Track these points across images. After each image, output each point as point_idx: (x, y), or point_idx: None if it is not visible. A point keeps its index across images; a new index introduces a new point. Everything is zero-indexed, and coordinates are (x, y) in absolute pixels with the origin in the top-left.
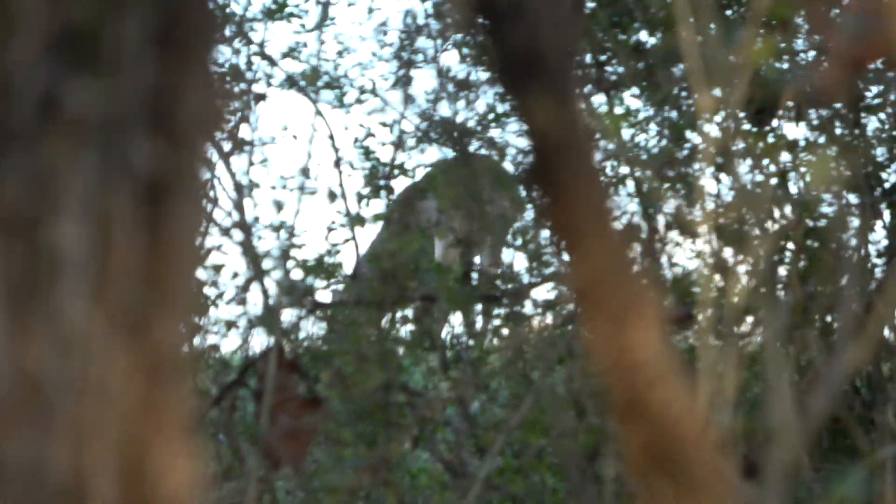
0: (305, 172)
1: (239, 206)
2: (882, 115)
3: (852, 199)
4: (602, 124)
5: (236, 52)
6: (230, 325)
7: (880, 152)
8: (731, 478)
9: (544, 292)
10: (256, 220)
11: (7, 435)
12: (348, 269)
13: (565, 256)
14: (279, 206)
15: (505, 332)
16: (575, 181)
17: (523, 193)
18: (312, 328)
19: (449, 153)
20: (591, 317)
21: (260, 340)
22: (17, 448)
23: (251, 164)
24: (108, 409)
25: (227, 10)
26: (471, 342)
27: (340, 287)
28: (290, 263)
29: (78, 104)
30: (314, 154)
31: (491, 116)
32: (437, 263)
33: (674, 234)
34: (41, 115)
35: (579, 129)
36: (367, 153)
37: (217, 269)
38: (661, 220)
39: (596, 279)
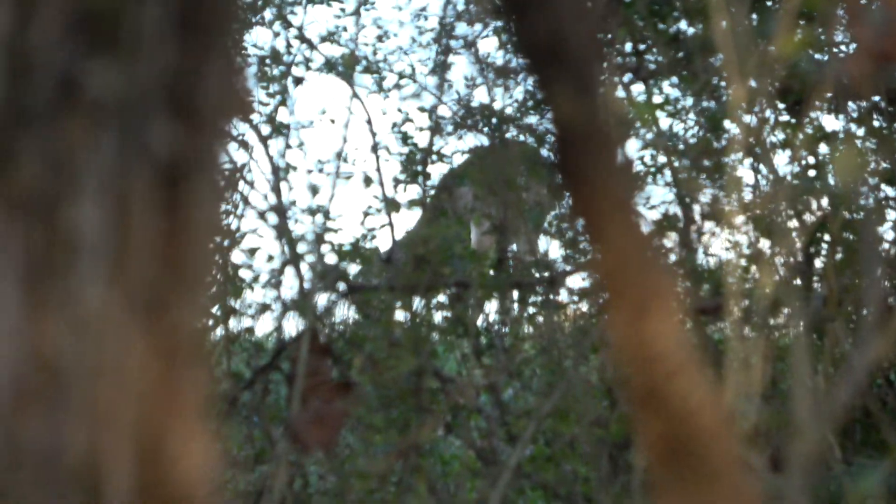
0: (342, 157)
1: (275, 190)
2: None
3: (889, 191)
4: (639, 113)
5: (276, 35)
6: (264, 308)
7: None
8: (753, 470)
9: (579, 280)
10: (292, 203)
11: (23, 417)
12: (383, 254)
13: (590, 246)
14: (315, 190)
15: (539, 319)
16: (598, 171)
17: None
18: (346, 313)
19: (485, 140)
20: (612, 307)
21: (294, 324)
22: (33, 431)
23: (288, 147)
24: (125, 391)
25: None
26: (504, 329)
27: (375, 272)
28: (324, 248)
29: (97, 86)
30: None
31: (529, 103)
32: (471, 250)
33: (709, 224)
34: (61, 96)
35: (603, 120)
36: (405, 138)
37: (252, 252)
38: (696, 210)
39: (617, 269)
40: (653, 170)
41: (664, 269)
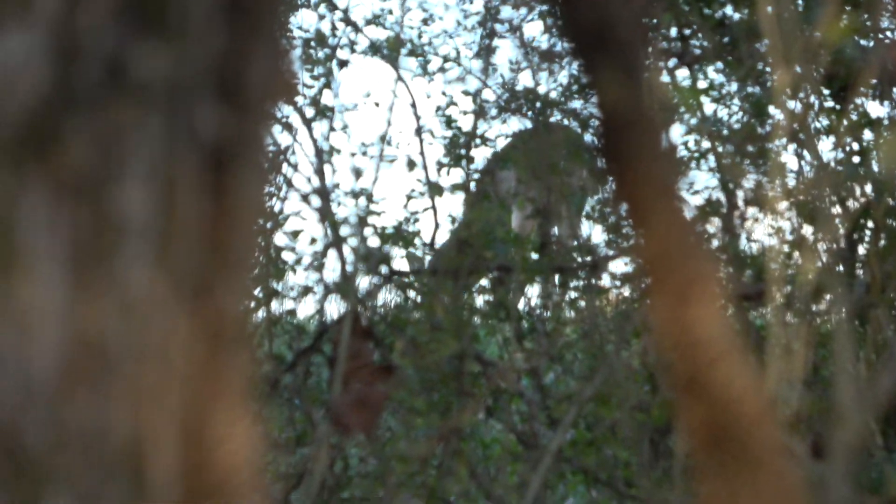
0: (385, 140)
1: (319, 172)
2: None
3: None
4: (683, 99)
5: (321, 17)
6: (307, 290)
7: None
8: (795, 456)
9: (621, 265)
10: (335, 186)
11: (69, 399)
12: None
13: (633, 231)
14: (358, 173)
15: (581, 304)
16: (642, 157)
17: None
18: (388, 296)
19: (529, 123)
20: (655, 292)
21: (336, 307)
22: (78, 412)
23: (332, 130)
24: (169, 374)
25: None
26: (546, 313)
27: (417, 256)
28: (367, 231)
29: (145, 69)
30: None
31: (573, 87)
32: (514, 234)
33: (753, 210)
34: (108, 79)
35: (648, 105)
36: (449, 122)
37: (295, 234)
38: (740, 196)
39: (660, 255)
40: (697, 155)
41: (707, 255)
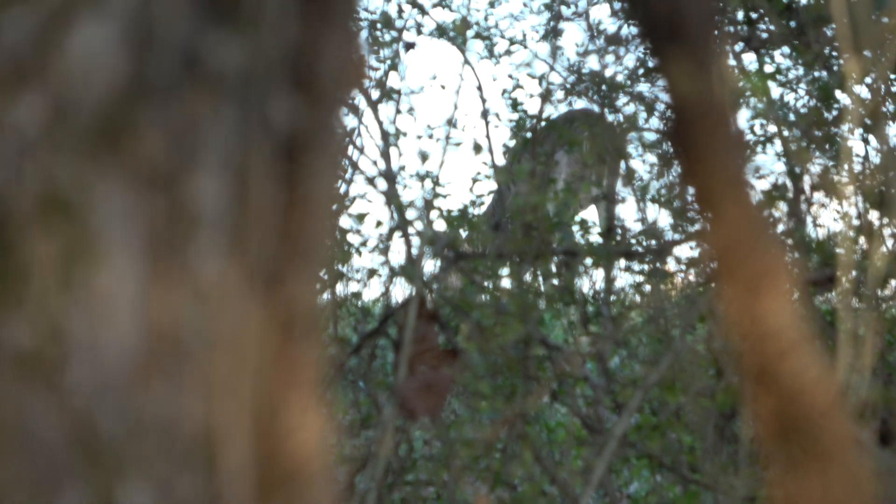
0: (452, 123)
1: (385, 155)
2: None
3: None
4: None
5: (387, 0)
6: (372, 273)
7: None
8: (864, 447)
9: (687, 250)
10: (401, 169)
11: (143, 388)
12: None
13: (702, 220)
14: (424, 156)
15: (646, 288)
16: (712, 147)
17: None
18: (454, 279)
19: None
20: (724, 283)
21: (401, 290)
22: (152, 402)
23: (398, 113)
24: (242, 363)
25: None
26: (612, 298)
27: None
28: (433, 214)
29: (219, 60)
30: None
31: (640, 71)
32: (580, 218)
33: (819, 196)
34: (183, 70)
35: (718, 95)
36: (515, 105)
37: (361, 217)
38: (807, 181)
39: (730, 246)
40: (763, 140)
41: (777, 246)
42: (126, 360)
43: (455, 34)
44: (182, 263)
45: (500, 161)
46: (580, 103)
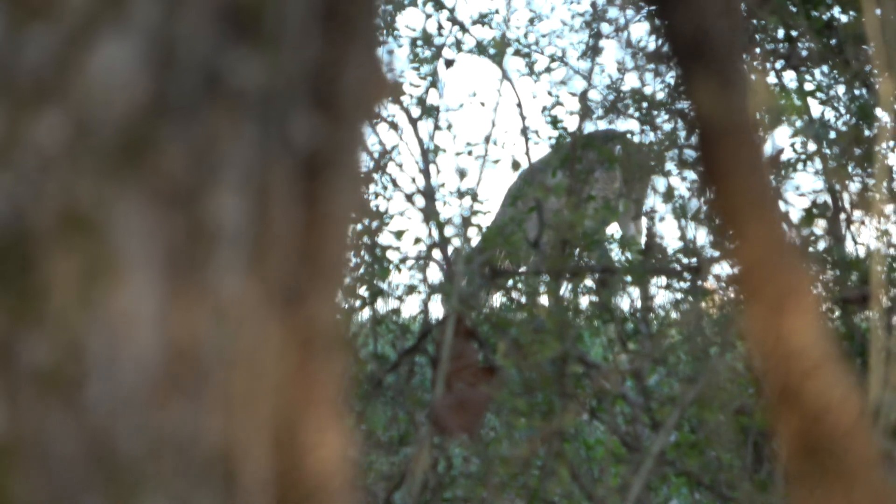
0: (490, 140)
1: (424, 172)
2: None
3: None
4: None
5: (427, 16)
6: (411, 290)
7: None
8: (889, 468)
9: (726, 267)
10: (440, 186)
11: (163, 405)
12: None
13: (729, 239)
14: (463, 173)
15: (685, 306)
16: (738, 167)
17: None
18: (491, 296)
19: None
20: (750, 301)
21: (440, 307)
22: (171, 419)
23: (438, 129)
24: (261, 381)
25: None
26: (650, 315)
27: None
28: (471, 231)
29: (240, 77)
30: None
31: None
32: (618, 235)
33: (858, 213)
34: (204, 87)
35: (744, 115)
36: (555, 122)
37: (399, 234)
38: (846, 199)
39: (755, 265)
40: (803, 157)
41: (803, 264)
42: (145, 378)
43: (495, 51)
44: (202, 281)
45: (539, 178)
46: (620, 121)
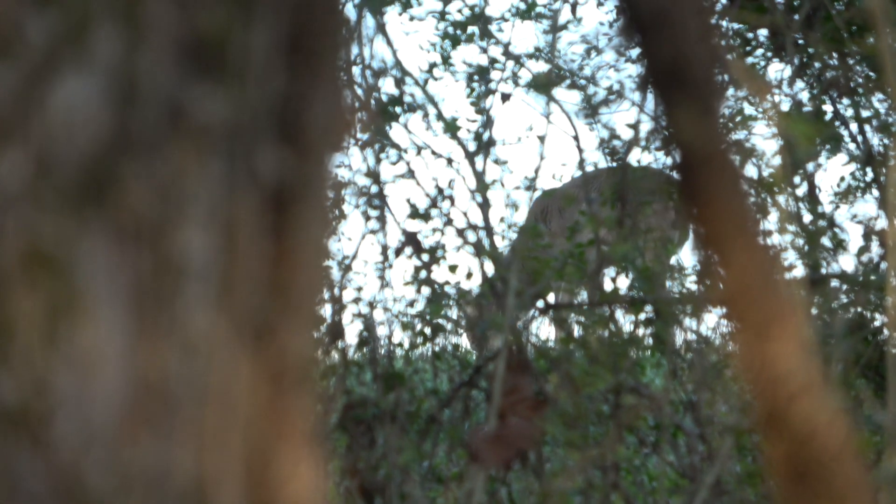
0: (548, 173)
1: (479, 207)
2: None
3: None
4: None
5: (483, 51)
6: (467, 325)
7: None
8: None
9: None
10: (499, 220)
11: (132, 441)
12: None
13: (714, 266)
14: (517, 207)
15: None
16: (719, 192)
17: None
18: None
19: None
20: (735, 328)
21: (495, 341)
22: (140, 454)
23: (494, 163)
24: (232, 415)
25: (475, 10)
26: (705, 346)
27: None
28: (525, 264)
29: (204, 112)
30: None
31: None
32: (673, 265)
33: None
34: (168, 122)
35: (725, 141)
36: (613, 154)
37: (453, 268)
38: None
39: (739, 290)
40: (863, 187)
41: (787, 290)
42: (114, 414)
43: (546, 85)
44: (170, 316)
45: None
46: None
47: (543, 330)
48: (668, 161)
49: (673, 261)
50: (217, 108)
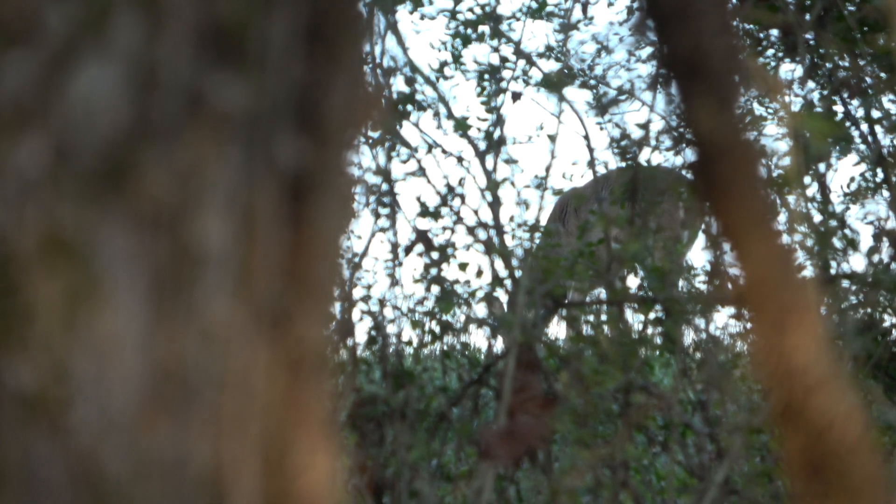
0: (559, 172)
1: (489, 205)
2: None
3: None
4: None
5: (494, 50)
6: (479, 323)
7: None
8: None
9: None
10: (509, 219)
11: (150, 428)
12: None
13: (732, 259)
14: (527, 205)
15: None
16: (737, 185)
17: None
18: (554, 327)
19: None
20: (752, 320)
21: (505, 339)
22: (159, 441)
23: (505, 162)
24: (250, 403)
25: (486, 9)
26: (715, 345)
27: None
28: (532, 262)
29: (223, 100)
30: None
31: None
32: (682, 265)
33: None
34: (187, 110)
35: (742, 134)
36: (623, 154)
37: (463, 266)
38: None
39: (756, 283)
40: (871, 185)
41: (805, 283)
42: (131, 400)
43: (561, 84)
44: (188, 303)
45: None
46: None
47: (554, 328)
48: (684, 156)
49: (683, 260)
50: (236, 97)
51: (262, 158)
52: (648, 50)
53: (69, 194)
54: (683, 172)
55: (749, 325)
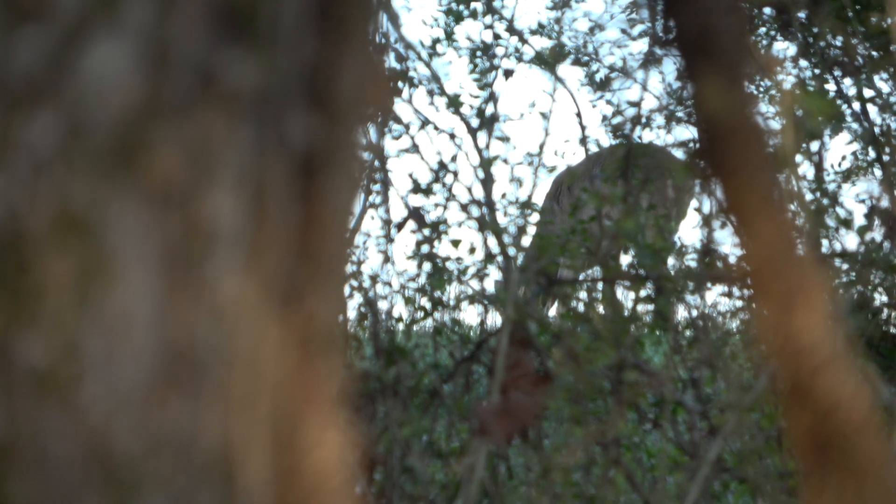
0: (549, 149)
1: (483, 182)
2: None
3: None
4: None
5: (486, 27)
6: (471, 300)
7: None
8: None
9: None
10: (501, 196)
11: (159, 404)
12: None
13: (738, 238)
14: (520, 182)
15: (744, 314)
16: (745, 164)
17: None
18: (547, 305)
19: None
20: (759, 299)
21: (497, 316)
22: (168, 418)
23: (497, 139)
24: (260, 380)
25: None
26: (708, 323)
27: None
28: (527, 240)
29: (235, 78)
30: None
31: None
32: (673, 243)
33: None
34: (198, 88)
35: (750, 112)
36: (615, 131)
37: (455, 243)
38: None
39: (763, 262)
40: (865, 165)
41: (811, 262)
42: (142, 377)
43: (554, 61)
44: (199, 280)
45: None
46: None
47: (546, 305)
48: (675, 134)
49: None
50: (247, 74)
51: (273, 136)
52: (641, 27)
53: (81, 171)
54: (675, 151)
55: (754, 305)
